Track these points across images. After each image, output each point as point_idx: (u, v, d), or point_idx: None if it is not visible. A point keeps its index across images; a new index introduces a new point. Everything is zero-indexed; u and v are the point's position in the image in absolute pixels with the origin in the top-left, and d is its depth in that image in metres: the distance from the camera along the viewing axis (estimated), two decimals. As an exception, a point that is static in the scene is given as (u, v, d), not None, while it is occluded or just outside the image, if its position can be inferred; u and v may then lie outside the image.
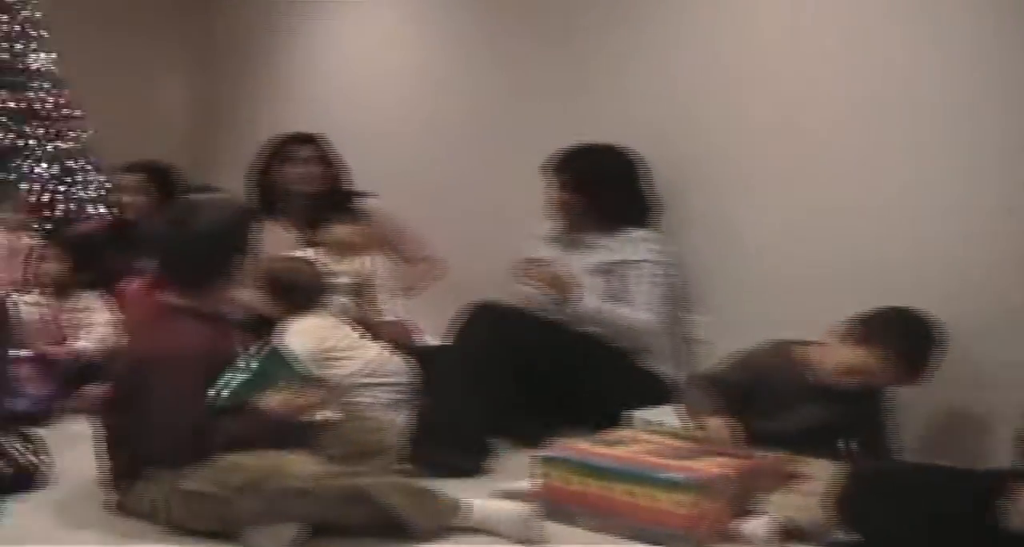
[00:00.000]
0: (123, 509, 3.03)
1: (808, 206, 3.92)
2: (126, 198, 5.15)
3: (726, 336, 3.92)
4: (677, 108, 4.36)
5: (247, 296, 3.76)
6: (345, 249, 4.50)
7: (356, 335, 4.03)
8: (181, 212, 3.15)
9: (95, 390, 4.04)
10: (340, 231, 4.52)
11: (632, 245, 4.07)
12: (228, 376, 2.98)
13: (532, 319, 3.94)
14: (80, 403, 4.17)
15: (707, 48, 4.28)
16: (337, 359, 3.88)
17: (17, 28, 6.25)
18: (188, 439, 2.87)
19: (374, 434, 3.27)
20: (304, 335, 3.83)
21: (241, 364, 3.03)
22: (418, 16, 5.90)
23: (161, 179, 5.20)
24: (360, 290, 4.48)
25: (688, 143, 4.29)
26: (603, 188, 4.12)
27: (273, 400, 3.00)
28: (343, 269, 4.40)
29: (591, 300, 3.97)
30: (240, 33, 7.73)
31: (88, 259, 4.74)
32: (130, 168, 5.23)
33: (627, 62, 4.60)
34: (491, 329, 3.82)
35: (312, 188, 4.74)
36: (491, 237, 5.05)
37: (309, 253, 4.42)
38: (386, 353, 4.04)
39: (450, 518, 2.93)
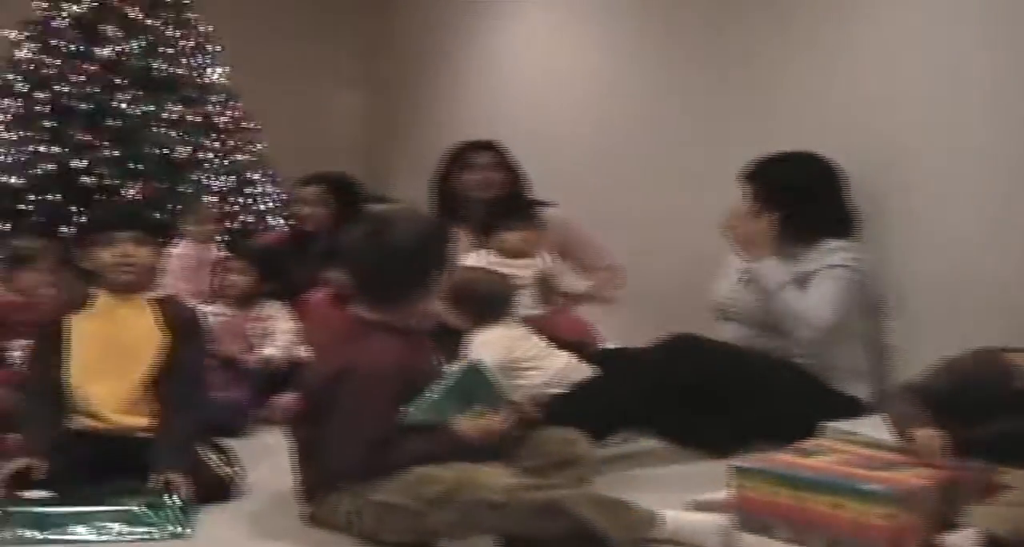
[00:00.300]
0: (316, 521, 3.03)
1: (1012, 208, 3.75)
2: (306, 210, 5.17)
3: (924, 344, 3.79)
4: (868, 111, 4.20)
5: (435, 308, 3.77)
6: (515, 254, 4.52)
7: (543, 345, 3.99)
8: (376, 225, 3.08)
9: (285, 400, 4.12)
10: (510, 237, 4.54)
11: (828, 255, 3.96)
12: (428, 393, 2.97)
13: (726, 348, 3.91)
14: (271, 414, 4.23)
15: (894, 49, 4.14)
16: (525, 369, 3.85)
17: (191, 43, 6.41)
18: (368, 455, 2.87)
19: (567, 445, 3.20)
20: (491, 346, 3.80)
21: (441, 381, 3.02)
22: (592, 17, 5.87)
23: (340, 190, 5.21)
24: (541, 288, 4.52)
25: (882, 148, 4.14)
26: (800, 199, 4.02)
27: (467, 424, 2.98)
28: (517, 273, 4.41)
29: (777, 274, 3.91)
30: (413, 42, 7.81)
31: (272, 270, 4.80)
32: (309, 180, 5.25)
33: (810, 61, 4.48)
34: (682, 355, 3.80)
35: (490, 194, 4.76)
36: (666, 240, 5.01)
37: (482, 258, 4.45)
38: (574, 362, 3.99)
39: (646, 530, 2.86)
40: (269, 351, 4.57)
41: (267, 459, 3.57)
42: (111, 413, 3.36)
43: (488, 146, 4.87)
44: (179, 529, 2.99)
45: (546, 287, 4.57)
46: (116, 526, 2.96)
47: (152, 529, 2.98)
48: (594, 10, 5.83)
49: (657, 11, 5.33)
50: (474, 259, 4.45)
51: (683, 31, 5.16)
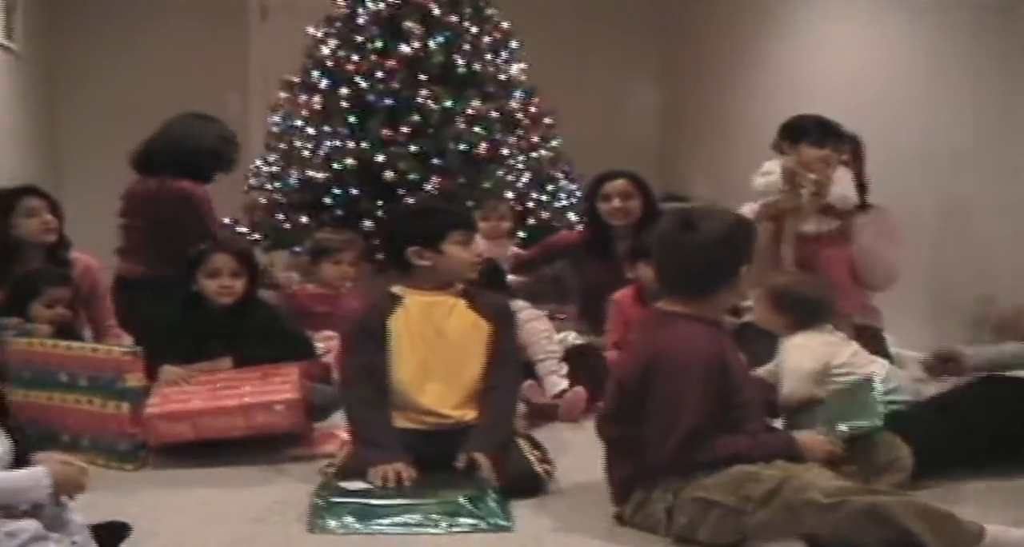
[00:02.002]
0: (628, 521, 3.01)
1: None
2: (616, 203, 5.00)
3: None
4: None
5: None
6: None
7: (861, 350, 3.74)
8: (684, 220, 3.04)
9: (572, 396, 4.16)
10: None
11: None
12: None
13: None
14: (564, 411, 4.18)
15: None
16: (843, 375, 3.60)
17: (491, 39, 6.35)
18: (688, 444, 2.83)
19: (888, 451, 3.22)
20: (806, 351, 3.63)
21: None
22: (911, 14, 5.45)
23: (644, 187, 5.07)
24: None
25: None
26: None
27: (809, 439, 3.02)
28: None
29: None
30: (711, 39, 7.63)
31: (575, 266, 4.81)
32: (617, 174, 5.09)
33: None
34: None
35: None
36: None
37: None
38: (890, 367, 3.77)
39: (972, 546, 2.66)
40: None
41: (566, 454, 3.59)
42: (451, 410, 3.43)
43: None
44: (502, 522, 3.01)
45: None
46: (441, 518, 3.00)
47: (477, 521, 3.00)
48: (915, 6, 5.41)
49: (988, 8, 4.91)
50: None
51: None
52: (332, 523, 2.98)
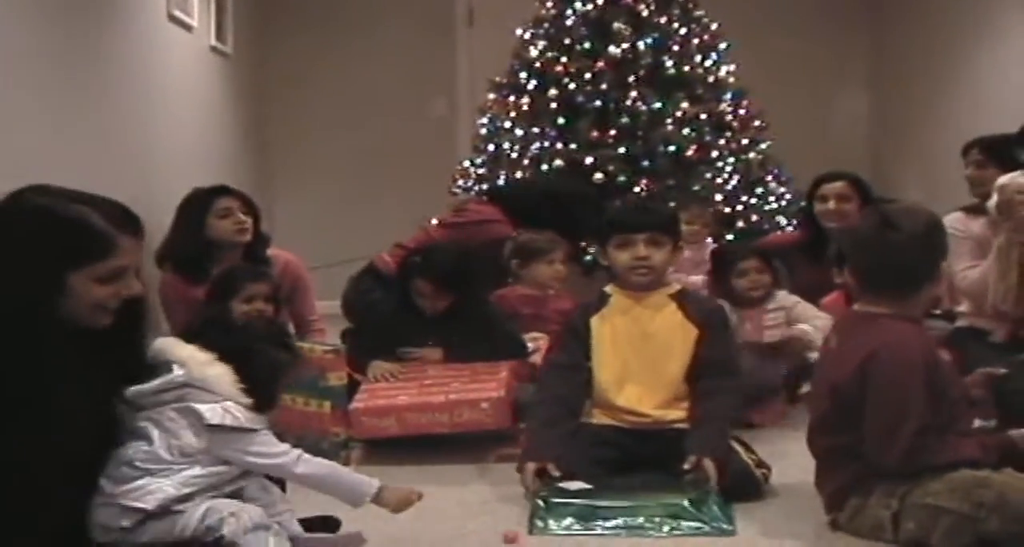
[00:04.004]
0: (842, 527, 2.95)
1: None
2: (831, 205, 4.90)
3: None
4: None
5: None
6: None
7: None
8: (885, 219, 2.98)
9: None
10: None
11: None
12: None
13: None
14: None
15: None
16: None
17: (700, 40, 6.26)
18: (913, 445, 2.76)
19: None
20: None
21: None
22: None
23: (862, 188, 4.96)
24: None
25: None
26: None
27: None
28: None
29: None
30: (921, 42, 7.40)
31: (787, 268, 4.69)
32: (835, 176, 5.00)
33: None
34: None
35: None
36: None
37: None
38: None
39: None
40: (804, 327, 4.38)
41: (781, 460, 3.49)
42: (651, 409, 3.41)
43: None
44: (726, 526, 2.97)
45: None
46: (664, 521, 2.97)
47: (700, 525, 2.97)
48: None
49: None
50: None
51: None
52: (553, 524, 2.97)
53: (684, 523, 2.96)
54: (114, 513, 2.44)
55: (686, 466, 3.14)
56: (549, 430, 3.32)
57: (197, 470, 2.49)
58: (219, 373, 2.58)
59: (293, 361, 2.87)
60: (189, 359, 2.57)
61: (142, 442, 2.50)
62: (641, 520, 2.96)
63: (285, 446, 2.63)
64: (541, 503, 3.05)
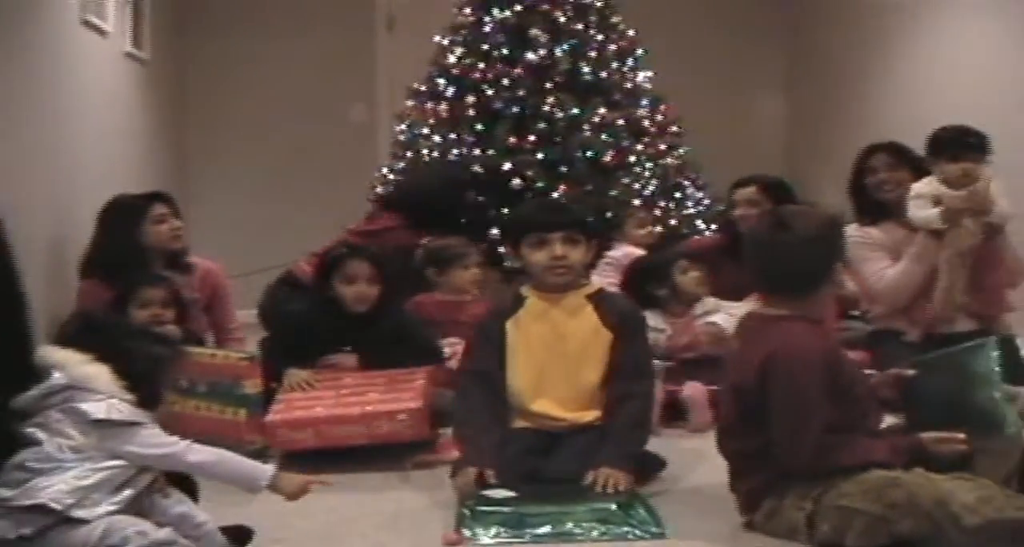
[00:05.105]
0: (756, 527, 2.97)
1: None
2: (739, 211, 4.96)
3: None
4: None
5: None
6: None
7: None
8: (778, 220, 3.04)
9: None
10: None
11: None
12: None
13: None
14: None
15: None
16: None
17: (614, 47, 6.30)
18: (819, 446, 2.79)
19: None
20: None
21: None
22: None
23: (775, 193, 4.97)
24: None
25: None
26: None
27: (929, 438, 2.86)
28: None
29: None
30: (836, 46, 7.49)
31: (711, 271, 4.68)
32: (745, 181, 5.06)
33: None
34: None
35: (892, 195, 4.60)
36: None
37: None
38: None
39: None
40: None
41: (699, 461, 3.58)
42: (564, 413, 3.41)
43: (887, 148, 4.76)
44: (654, 529, 2.97)
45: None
46: (593, 525, 2.97)
47: (629, 528, 2.97)
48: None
49: None
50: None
51: None
52: (481, 533, 2.94)
53: (613, 528, 2.96)
54: (10, 524, 2.43)
55: (587, 481, 3.15)
56: (484, 436, 3.31)
57: (88, 465, 2.50)
58: (97, 371, 2.60)
59: (173, 355, 2.89)
60: (66, 361, 2.60)
61: (32, 447, 2.51)
62: (570, 526, 2.96)
63: (174, 437, 2.63)
64: (467, 512, 3.02)
